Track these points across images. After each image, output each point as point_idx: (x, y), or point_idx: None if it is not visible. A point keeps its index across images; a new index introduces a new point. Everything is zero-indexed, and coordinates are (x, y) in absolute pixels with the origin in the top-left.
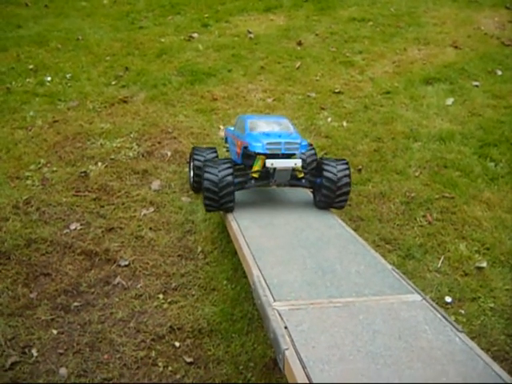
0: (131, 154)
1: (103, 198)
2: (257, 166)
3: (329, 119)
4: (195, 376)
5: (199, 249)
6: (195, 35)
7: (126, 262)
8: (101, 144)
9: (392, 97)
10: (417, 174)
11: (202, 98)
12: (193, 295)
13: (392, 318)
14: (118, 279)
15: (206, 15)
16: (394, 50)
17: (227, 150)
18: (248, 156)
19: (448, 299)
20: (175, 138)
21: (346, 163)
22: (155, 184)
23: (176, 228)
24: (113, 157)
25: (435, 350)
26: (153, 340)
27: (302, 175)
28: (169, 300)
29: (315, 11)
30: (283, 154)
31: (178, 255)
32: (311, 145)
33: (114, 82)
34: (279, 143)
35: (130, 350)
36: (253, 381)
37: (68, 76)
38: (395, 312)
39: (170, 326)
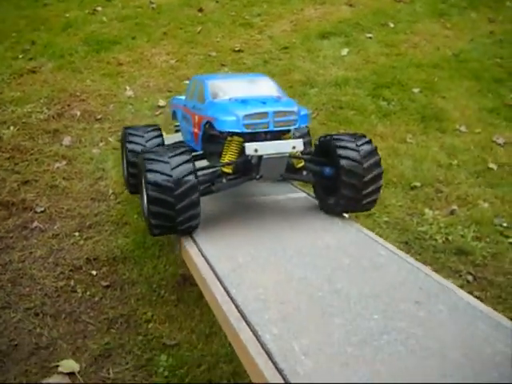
0: (42, 117)
1: (17, 157)
2: (229, 155)
3: None
4: (112, 297)
5: (110, 191)
6: (99, 9)
7: (42, 209)
8: (12, 110)
9: (290, 51)
10: (314, 115)
11: (108, 63)
12: (106, 230)
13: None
14: (35, 223)
15: None
16: (291, 11)
17: (177, 131)
18: (213, 138)
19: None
20: (84, 100)
21: (370, 141)
22: (66, 140)
23: (88, 176)
24: (24, 120)
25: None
26: (71, 271)
27: (301, 164)
28: (84, 237)
29: None
30: (272, 133)
31: (91, 198)
32: None
33: (21, 56)
34: (265, 114)
35: (50, 282)
36: (166, 296)
37: None
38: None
39: (87, 258)
